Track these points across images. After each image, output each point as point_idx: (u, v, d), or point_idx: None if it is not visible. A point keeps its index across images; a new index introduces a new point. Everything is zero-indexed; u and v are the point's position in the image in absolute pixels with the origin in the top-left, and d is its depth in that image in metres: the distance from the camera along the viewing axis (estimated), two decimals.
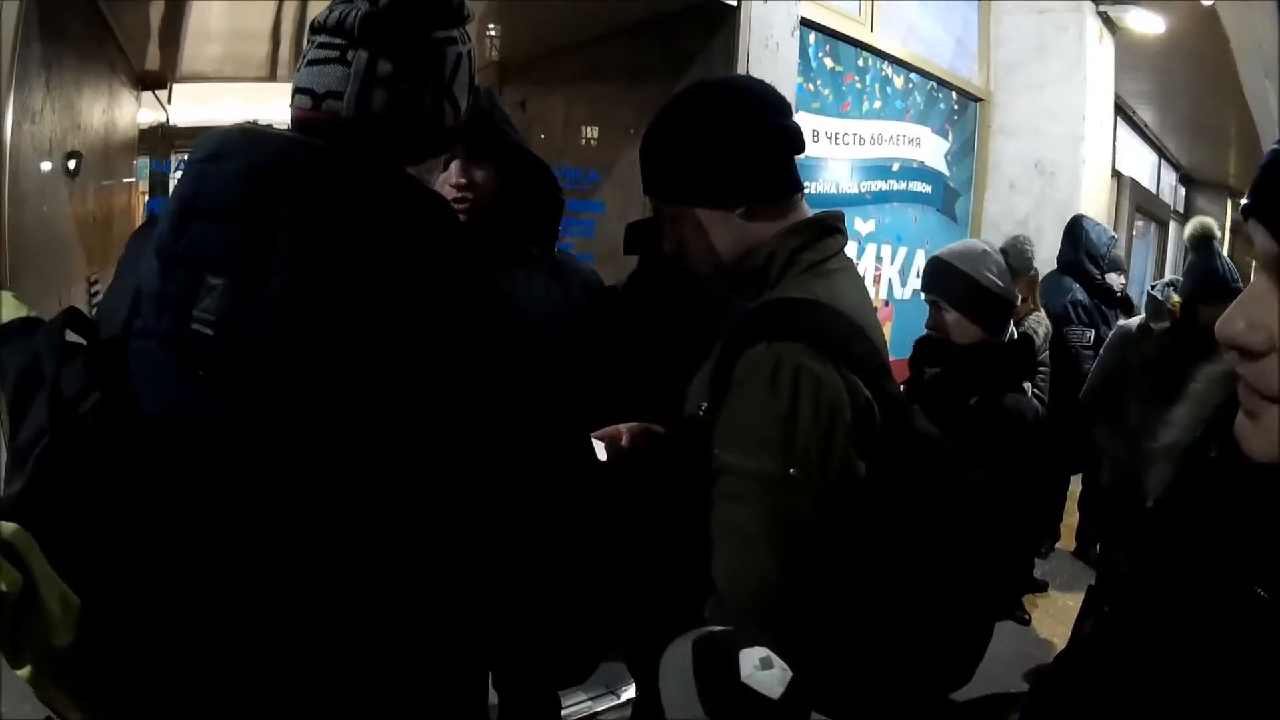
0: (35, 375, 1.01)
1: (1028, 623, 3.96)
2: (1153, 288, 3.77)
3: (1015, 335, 2.49)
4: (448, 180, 1.77)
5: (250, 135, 1.03)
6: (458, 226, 1.09)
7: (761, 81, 1.44)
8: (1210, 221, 3.88)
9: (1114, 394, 3.40)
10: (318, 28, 1.06)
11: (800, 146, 1.39)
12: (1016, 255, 2.40)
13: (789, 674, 0.99)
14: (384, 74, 1.03)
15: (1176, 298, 3.41)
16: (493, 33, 3.83)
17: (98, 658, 0.95)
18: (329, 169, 0.99)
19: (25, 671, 0.92)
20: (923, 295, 2.53)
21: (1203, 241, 3.61)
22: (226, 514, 0.96)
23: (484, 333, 1.04)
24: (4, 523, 0.88)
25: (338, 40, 1.03)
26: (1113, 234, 4.56)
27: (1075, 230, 4.36)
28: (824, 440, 1.22)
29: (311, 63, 1.04)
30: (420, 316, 0.99)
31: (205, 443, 0.96)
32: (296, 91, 1.06)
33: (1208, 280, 3.23)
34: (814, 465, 1.21)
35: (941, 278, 2.42)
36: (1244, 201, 0.70)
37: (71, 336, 1.03)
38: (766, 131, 1.36)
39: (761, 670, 0.98)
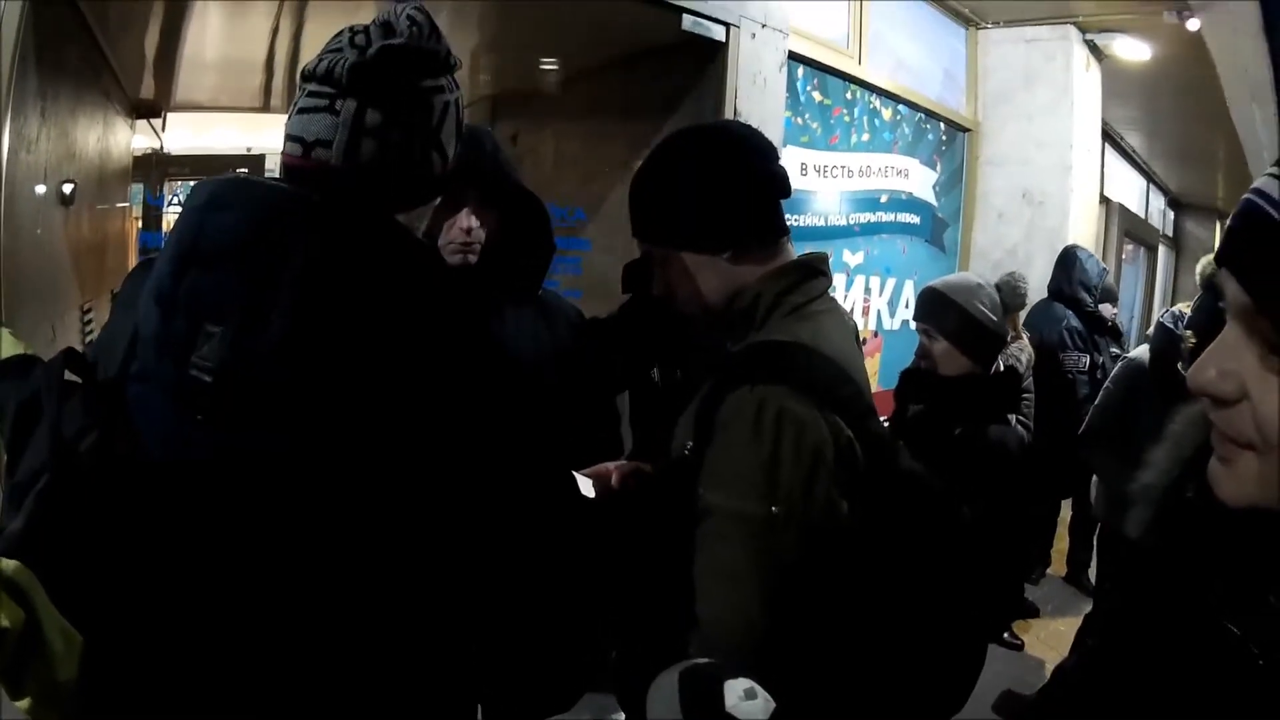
0: (32, 412, 1.03)
1: (1020, 648, 3.97)
2: (1162, 316, 3.72)
3: (1000, 367, 2.51)
4: (458, 225, 1.76)
5: (246, 186, 1.05)
6: (444, 272, 1.10)
7: (748, 126, 1.47)
8: None
9: (1120, 427, 3.34)
10: (308, 76, 1.08)
11: (787, 191, 1.41)
12: (1010, 291, 2.43)
13: (772, 704, 1.01)
14: (372, 124, 1.04)
15: (1191, 335, 3.36)
16: (485, 70, 3.86)
17: (101, 693, 0.97)
18: (321, 221, 1.00)
19: (25, 704, 0.94)
20: (914, 324, 2.57)
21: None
22: (224, 551, 0.98)
23: (472, 374, 1.06)
24: (6, 560, 0.90)
25: (327, 89, 1.05)
26: (1104, 266, 4.60)
27: (1069, 260, 4.39)
28: (807, 482, 1.23)
29: (301, 110, 1.06)
30: (411, 360, 1.01)
31: (203, 483, 0.98)
32: (288, 139, 1.08)
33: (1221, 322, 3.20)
34: (797, 506, 1.23)
35: (934, 308, 2.46)
36: (1215, 252, 0.71)
37: (70, 376, 1.05)
38: (754, 177, 1.38)
39: (746, 700, 1.01)
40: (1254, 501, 0.69)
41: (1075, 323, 4.24)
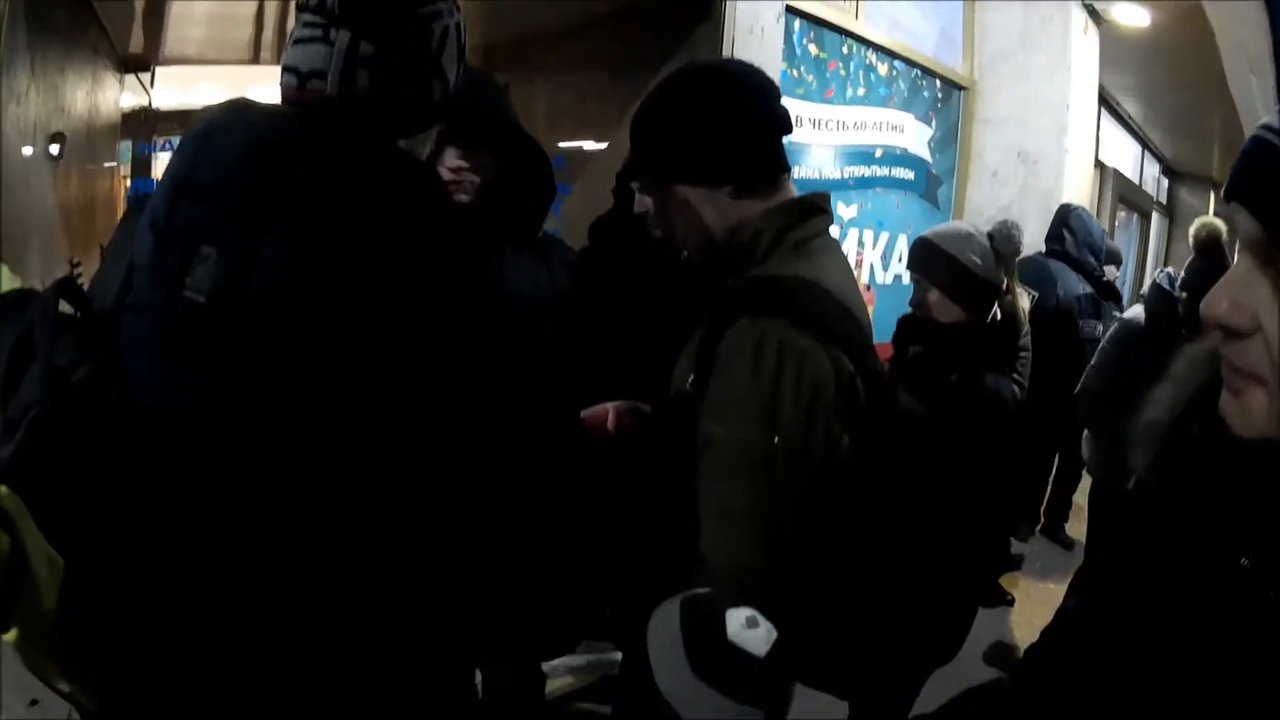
0: (28, 347, 1.02)
1: (1011, 603, 4.00)
2: (1157, 276, 3.69)
3: (998, 316, 2.51)
4: (443, 164, 1.77)
5: (242, 111, 1.04)
6: (450, 203, 1.10)
7: (750, 65, 1.45)
8: (1219, 224, 3.82)
9: (1115, 386, 3.37)
10: (303, 6, 1.07)
11: (788, 128, 1.41)
12: (1003, 240, 2.41)
13: (774, 633, 1.01)
14: (366, 53, 1.04)
15: (1185, 296, 3.35)
16: (478, 19, 3.82)
17: (83, 624, 0.97)
18: (321, 145, 1.00)
19: (12, 636, 0.93)
20: (908, 273, 2.58)
21: (1211, 245, 3.55)
22: (214, 485, 0.98)
23: (476, 311, 1.06)
24: None
25: (319, 19, 1.05)
26: (1104, 227, 4.56)
27: (1071, 221, 4.27)
28: (807, 414, 1.23)
29: (297, 41, 1.06)
30: (416, 292, 1.00)
31: (197, 414, 0.98)
32: (284, 70, 1.07)
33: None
34: (798, 438, 1.23)
35: (926, 257, 2.48)
36: (1226, 184, 0.71)
37: (64, 308, 1.05)
38: (754, 112, 1.37)
39: (747, 629, 1.01)
40: (1265, 434, 0.69)
41: (1087, 288, 4.15)
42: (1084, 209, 4.46)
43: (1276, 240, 0.65)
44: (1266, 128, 0.67)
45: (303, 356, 0.97)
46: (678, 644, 1.01)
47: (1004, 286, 2.49)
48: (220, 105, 1.08)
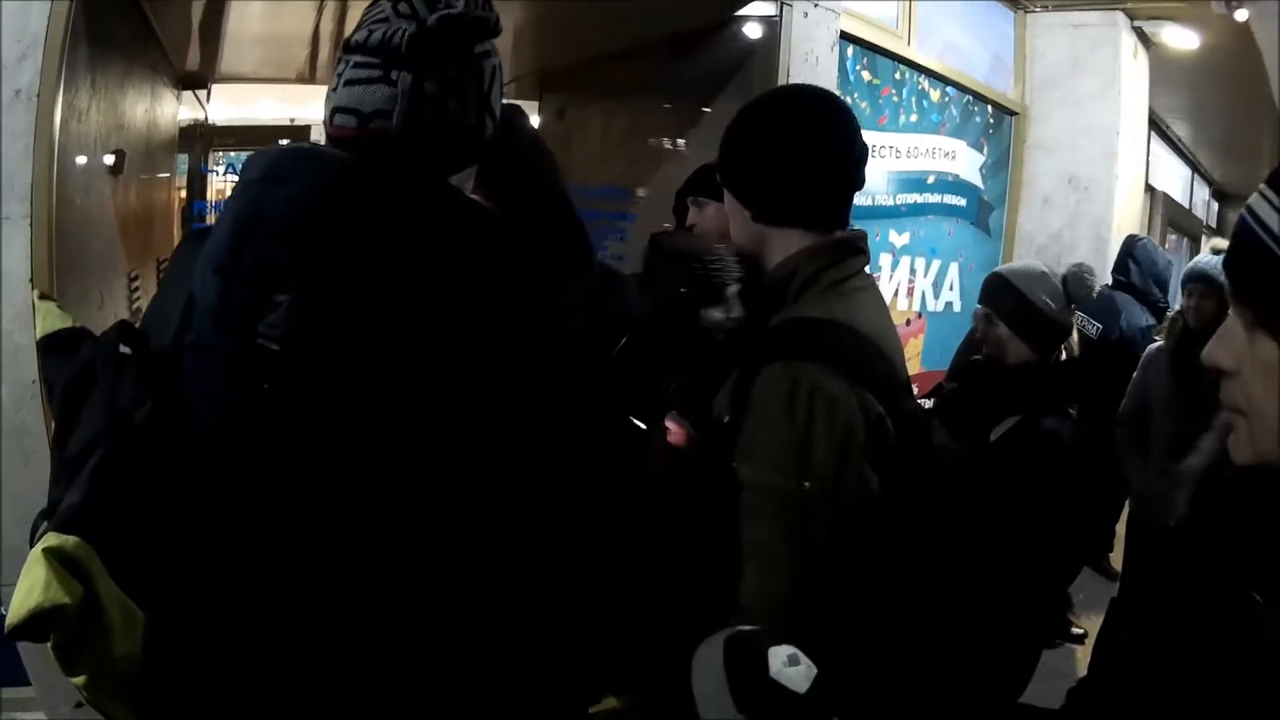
0: (83, 386, 1.03)
1: (1082, 640, 3.88)
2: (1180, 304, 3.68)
3: (1063, 358, 2.49)
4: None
5: (307, 157, 1.05)
6: (504, 239, 1.10)
7: (846, 110, 1.47)
8: None
9: (1143, 412, 3.39)
10: (354, 47, 1.07)
11: (860, 186, 1.45)
12: (1076, 283, 2.40)
13: (814, 670, 1.03)
14: (430, 93, 1.05)
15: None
16: (531, 44, 3.85)
17: (157, 668, 0.97)
18: (385, 190, 1.01)
19: (80, 680, 0.94)
20: (979, 307, 2.57)
21: None
22: (283, 520, 0.98)
23: (528, 345, 1.06)
24: (65, 535, 0.91)
25: (377, 60, 1.05)
26: (1169, 258, 4.52)
27: (1137, 252, 4.27)
28: (838, 458, 1.25)
29: (351, 83, 1.06)
30: (473, 327, 1.01)
31: (262, 453, 0.98)
32: (338, 111, 1.07)
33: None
34: (829, 481, 1.24)
35: (997, 292, 2.47)
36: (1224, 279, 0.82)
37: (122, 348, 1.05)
38: (836, 170, 1.40)
39: (789, 667, 1.03)
40: (1252, 459, 0.82)
41: (1149, 319, 4.12)
42: (1150, 240, 4.45)
43: (1237, 293, 0.80)
44: (1246, 207, 0.79)
45: (371, 399, 0.97)
46: (722, 682, 1.04)
47: (1072, 328, 2.47)
48: (278, 149, 1.08)
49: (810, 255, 1.37)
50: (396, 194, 1.01)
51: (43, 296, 1.26)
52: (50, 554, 0.90)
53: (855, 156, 1.42)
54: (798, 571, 1.24)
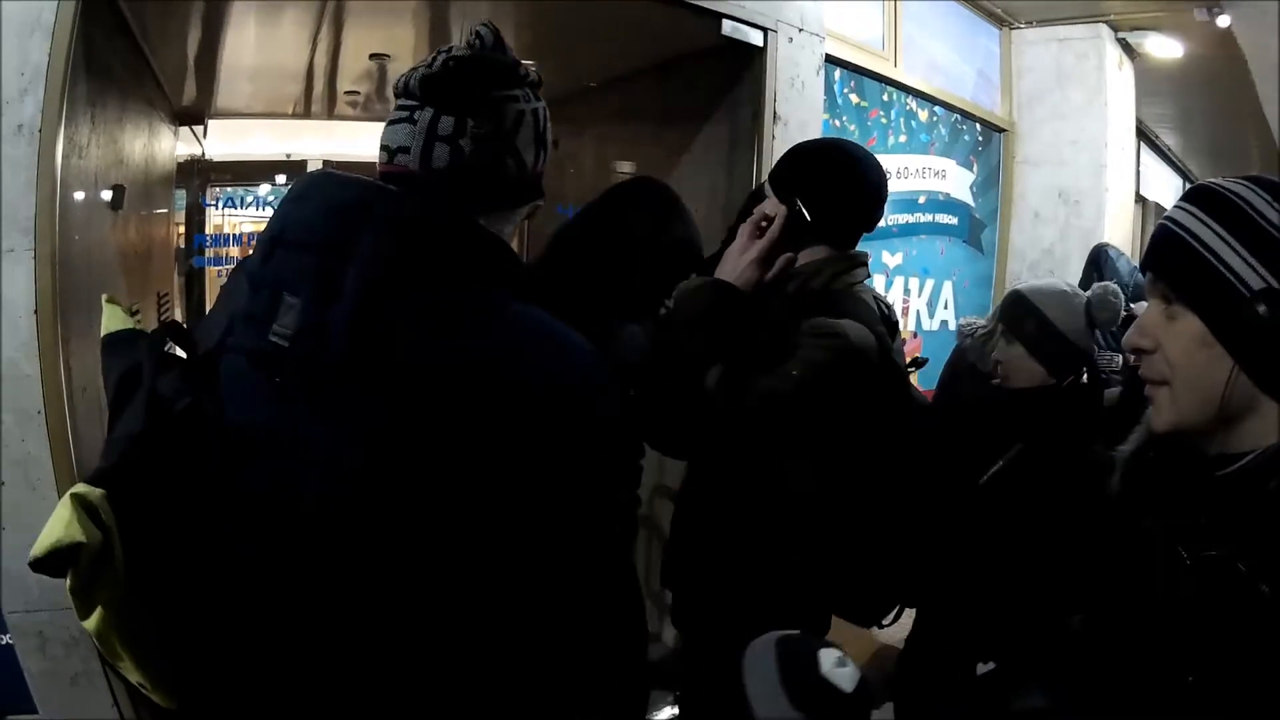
0: (134, 379, 1.11)
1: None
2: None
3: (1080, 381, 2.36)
4: None
5: (327, 180, 1.14)
6: (517, 269, 1.16)
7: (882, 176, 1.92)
8: None
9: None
10: (397, 92, 1.19)
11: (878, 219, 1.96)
12: (1099, 305, 2.30)
13: (859, 673, 1.20)
14: (444, 130, 1.14)
15: None
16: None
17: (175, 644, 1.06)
18: (397, 209, 1.08)
19: (92, 623, 1.02)
20: (962, 320, 2.60)
21: None
22: (287, 511, 1.03)
23: (528, 377, 1.08)
24: (92, 487, 1.00)
25: (408, 101, 1.16)
26: (1134, 264, 4.55)
27: (1100, 259, 4.32)
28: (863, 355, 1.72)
29: (391, 123, 1.17)
30: (464, 348, 1.04)
31: (277, 446, 1.04)
32: (380, 149, 1.18)
33: None
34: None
35: (1015, 310, 2.38)
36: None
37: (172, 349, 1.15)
38: (869, 211, 1.91)
39: (838, 668, 1.18)
40: (1172, 425, 1.00)
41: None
42: (1112, 247, 4.44)
43: (1151, 272, 1.02)
44: (1171, 219, 1.01)
45: (364, 398, 1.02)
46: (775, 681, 1.18)
47: (1093, 352, 2.35)
48: (309, 174, 1.19)
49: (833, 260, 1.86)
50: (401, 213, 1.08)
51: (110, 300, 1.35)
52: (76, 499, 0.99)
53: (883, 200, 1.92)
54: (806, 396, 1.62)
